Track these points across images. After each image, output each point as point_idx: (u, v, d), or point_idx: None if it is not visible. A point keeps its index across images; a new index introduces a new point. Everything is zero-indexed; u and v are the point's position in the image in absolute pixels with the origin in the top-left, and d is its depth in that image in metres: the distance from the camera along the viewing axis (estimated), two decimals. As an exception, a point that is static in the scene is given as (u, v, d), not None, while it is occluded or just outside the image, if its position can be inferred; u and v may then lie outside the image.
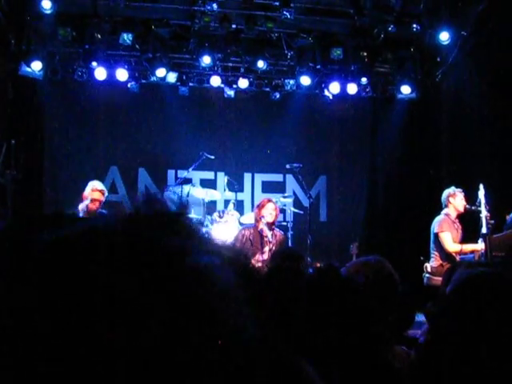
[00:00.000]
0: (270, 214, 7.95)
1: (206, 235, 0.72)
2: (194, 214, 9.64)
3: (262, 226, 7.94)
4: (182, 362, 0.55)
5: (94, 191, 7.44)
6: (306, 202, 10.29)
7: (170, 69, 10.40)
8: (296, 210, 9.93)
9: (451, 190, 7.88)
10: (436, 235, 7.80)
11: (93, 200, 7.37)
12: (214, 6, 9.26)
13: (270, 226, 7.99)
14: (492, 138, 8.98)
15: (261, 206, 8.03)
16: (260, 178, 11.48)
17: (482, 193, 7.04)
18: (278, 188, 11.15)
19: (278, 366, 0.68)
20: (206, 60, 10.11)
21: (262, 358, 0.62)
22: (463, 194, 7.77)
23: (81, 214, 7.16)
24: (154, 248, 0.61)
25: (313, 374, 0.86)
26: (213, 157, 9.84)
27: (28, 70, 9.79)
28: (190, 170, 9.71)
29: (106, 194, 7.66)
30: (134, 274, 0.57)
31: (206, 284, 0.60)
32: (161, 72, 10.28)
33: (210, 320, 0.58)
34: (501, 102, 8.68)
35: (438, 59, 10.40)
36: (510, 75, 8.39)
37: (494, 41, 8.86)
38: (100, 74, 10.06)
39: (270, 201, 8.13)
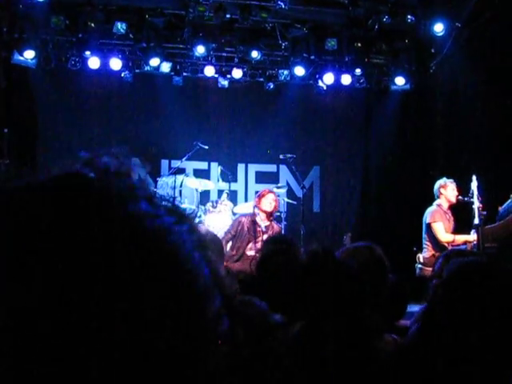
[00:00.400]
0: (269, 203, 7.97)
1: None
2: (187, 204, 9.66)
3: (259, 215, 7.97)
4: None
5: None
6: (299, 193, 10.31)
7: (163, 58, 10.36)
8: (289, 201, 9.93)
9: (442, 181, 7.89)
10: (428, 226, 7.83)
11: None
12: (209, -5, 9.22)
13: (268, 216, 8.03)
14: (485, 129, 9.00)
15: (261, 196, 8.07)
16: (254, 168, 11.48)
17: (474, 184, 7.06)
18: (271, 178, 11.14)
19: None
20: (200, 50, 10.07)
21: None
22: (455, 184, 7.79)
23: None
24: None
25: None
26: (206, 147, 9.83)
27: (21, 58, 9.72)
28: (184, 159, 9.70)
29: None
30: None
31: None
32: (155, 61, 10.25)
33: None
34: (495, 93, 8.69)
35: (433, 50, 10.39)
36: (505, 66, 8.40)
37: (489, 32, 8.86)
38: (93, 63, 10.02)
39: (270, 191, 8.18)
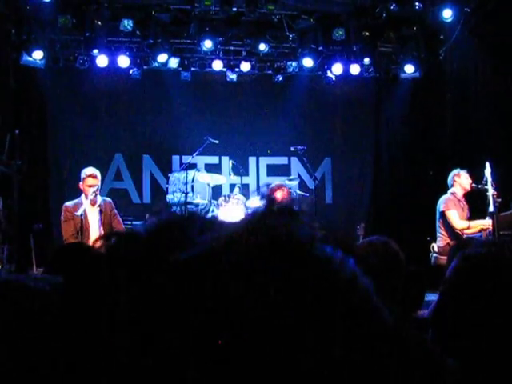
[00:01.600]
0: (281, 199, 7.97)
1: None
2: (199, 199, 9.67)
3: None
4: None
5: (85, 179, 7.36)
6: (311, 185, 10.28)
7: (171, 54, 10.35)
8: (301, 193, 9.91)
9: (456, 170, 7.89)
10: (442, 214, 7.79)
11: (89, 187, 7.29)
12: (214, -12, 9.18)
13: None
14: (497, 115, 8.92)
15: (273, 191, 8.02)
16: (265, 161, 11.46)
17: (488, 171, 7.01)
18: (283, 171, 11.13)
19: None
20: (208, 44, 10.05)
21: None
22: (468, 173, 7.75)
23: (82, 210, 7.13)
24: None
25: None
26: (217, 141, 9.82)
27: (29, 59, 9.76)
28: (195, 155, 9.70)
29: (99, 175, 7.55)
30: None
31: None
32: (162, 57, 10.24)
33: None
34: (505, 78, 8.62)
35: (441, 37, 10.30)
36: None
37: (498, 17, 8.78)
38: (101, 61, 10.03)
39: (283, 186, 8.16)
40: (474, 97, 9.63)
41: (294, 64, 10.83)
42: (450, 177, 7.93)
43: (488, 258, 1.44)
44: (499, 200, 6.84)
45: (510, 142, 8.44)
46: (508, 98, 8.60)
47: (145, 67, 10.62)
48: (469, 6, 9.35)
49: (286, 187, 8.23)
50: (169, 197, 9.85)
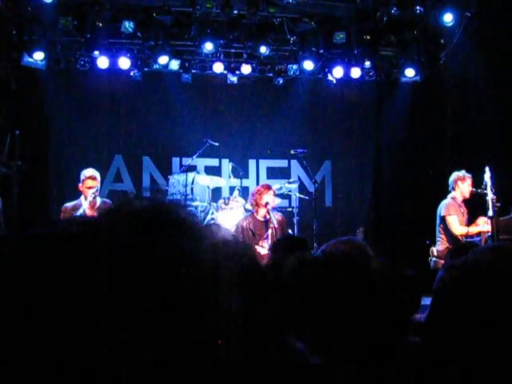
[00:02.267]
0: (272, 199, 7.94)
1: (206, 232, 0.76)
2: (198, 202, 9.66)
3: (266, 211, 7.92)
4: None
5: (85, 181, 7.36)
6: (311, 188, 10.27)
7: (172, 56, 10.37)
8: (301, 196, 9.92)
9: (461, 173, 7.80)
10: (443, 218, 7.78)
11: (89, 188, 7.29)
12: (216, -9, 9.20)
13: (267, 211, 7.97)
14: (497, 119, 8.92)
15: (261, 192, 7.96)
16: (265, 163, 11.47)
17: (488, 175, 7.01)
18: (282, 174, 11.14)
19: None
20: (208, 46, 10.07)
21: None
22: (471, 179, 7.72)
23: (81, 211, 7.12)
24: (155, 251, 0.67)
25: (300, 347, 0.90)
26: (217, 143, 9.83)
27: (30, 60, 9.78)
28: (195, 157, 9.71)
29: (98, 177, 7.55)
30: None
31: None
32: (163, 59, 10.25)
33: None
34: (506, 82, 8.62)
35: (442, 41, 10.33)
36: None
37: (499, 21, 8.78)
38: (102, 62, 10.05)
39: (269, 187, 8.09)
40: (474, 101, 9.62)
41: (295, 67, 10.84)
42: (452, 178, 7.87)
43: (471, 266, 1.43)
44: (498, 205, 6.84)
45: (509, 147, 8.43)
46: (508, 103, 8.60)
47: (145, 69, 10.63)
48: (469, 10, 9.35)
49: (272, 188, 8.16)
50: (168, 198, 9.83)
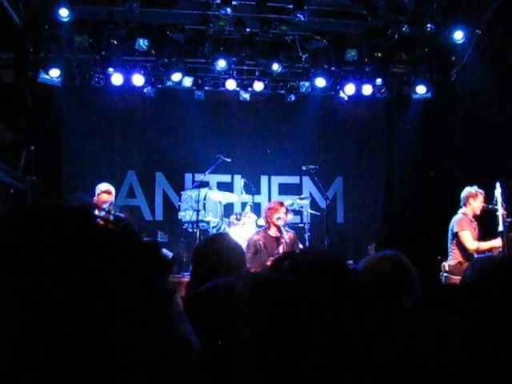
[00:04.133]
0: (278, 217, 7.94)
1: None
2: (210, 217, 9.71)
3: (277, 228, 7.94)
4: None
5: (100, 195, 7.46)
6: (322, 204, 10.29)
7: (185, 73, 10.49)
8: (313, 212, 9.94)
9: (473, 189, 7.71)
10: (455, 234, 7.75)
11: (103, 202, 7.37)
12: (229, 10, 9.30)
13: (279, 228, 7.96)
14: (508, 135, 8.93)
15: (274, 210, 7.98)
16: (277, 180, 11.53)
17: (498, 191, 7.02)
18: (294, 190, 11.17)
19: None
20: (221, 64, 10.19)
21: None
22: (484, 195, 7.66)
23: None
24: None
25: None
26: (229, 160, 9.88)
27: (46, 77, 9.94)
28: (207, 173, 9.76)
29: (113, 191, 7.63)
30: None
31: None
32: (176, 76, 10.37)
33: None
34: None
35: (453, 58, 10.38)
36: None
37: (508, 39, 8.83)
38: (117, 79, 10.18)
39: (281, 205, 8.11)
40: (485, 117, 9.64)
41: (307, 84, 10.93)
42: (464, 194, 7.80)
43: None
44: (509, 220, 6.84)
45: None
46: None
47: (159, 86, 10.77)
48: (480, 28, 9.40)
49: (284, 205, 8.17)
50: (181, 214, 9.91)
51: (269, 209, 8.04)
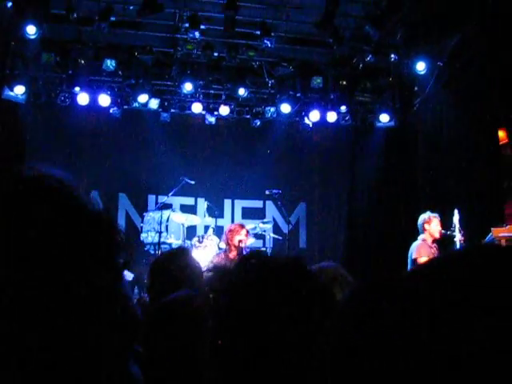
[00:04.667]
0: (245, 239, 7.94)
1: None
2: (173, 239, 9.67)
3: (238, 250, 7.92)
4: None
5: None
6: (285, 228, 10.36)
7: (152, 95, 10.52)
8: (275, 236, 9.97)
9: (426, 215, 7.88)
10: (414, 261, 7.85)
11: None
12: (197, 34, 9.38)
13: (241, 252, 7.93)
14: (466, 164, 9.13)
15: (235, 232, 7.97)
16: (240, 204, 11.56)
17: (456, 218, 7.16)
18: (257, 214, 11.22)
19: None
20: (188, 87, 10.24)
21: None
22: (438, 218, 7.82)
23: None
24: None
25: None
26: (193, 182, 9.90)
27: (11, 93, 9.85)
28: (170, 195, 9.77)
29: None
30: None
31: None
32: (143, 98, 10.40)
33: None
34: (476, 130, 8.86)
35: (416, 89, 10.61)
36: (485, 104, 8.59)
37: (469, 71, 9.07)
38: (83, 99, 10.14)
39: (242, 226, 8.12)
40: (446, 146, 9.84)
41: (272, 109, 11.04)
42: (419, 222, 7.96)
43: None
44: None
45: (477, 190, 8.62)
46: (477, 149, 8.83)
47: (125, 107, 10.74)
48: (441, 60, 9.65)
49: (245, 227, 8.16)
50: (143, 236, 9.84)
51: (229, 231, 8.02)
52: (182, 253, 3.52)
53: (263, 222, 9.96)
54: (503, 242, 6.39)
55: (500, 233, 6.55)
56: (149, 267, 3.48)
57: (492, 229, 6.72)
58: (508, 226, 6.72)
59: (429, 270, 0.71)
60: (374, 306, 0.75)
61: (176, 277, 3.21)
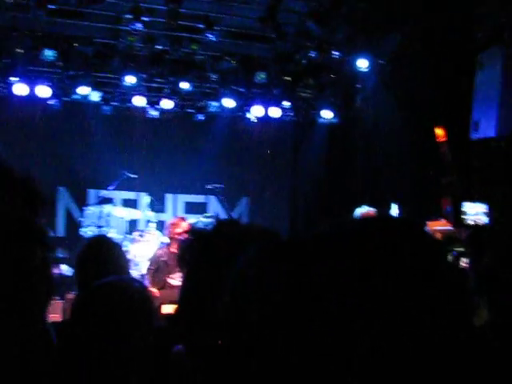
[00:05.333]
0: (180, 231, 7.88)
1: None
2: (113, 234, 9.54)
3: (173, 244, 7.87)
4: None
5: None
6: (227, 223, 10.33)
7: (93, 87, 10.32)
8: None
9: (364, 209, 7.86)
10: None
11: None
12: (139, 25, 9.20)
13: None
14: (405, 160, 9.30)
15: (175, 225, 7.93)
16: (182, 198, 11.49)
17: (395, 212, 7.27)
18: (200, 209, 11.17)
19: None
20: (130, 80, 10.10)
21: None
22: (375, 213, 7.85)
23: None
24: None
25: None
26: (135, 176, 9.79)
27: None
28: (111, 188, 9.64)
29: None
30: None
31: None
32: (83, 90, 10.19)
33: None
34: (415, 126, 9.03)
35: (358, 85, 10.72)
36: (424, 103, 8.76)
37: (409, 69, 9.23)
38: (20, 89, 9.87)
39: (182, 219, 8.09)
40: (386, 142, 9.98)
41: (216, 104, 11.00)
42: (356, 215, 7.95)
43: None
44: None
45: (416, 185, 8.79)
46: (416, 145, 9.00)
47: (65, 99, 10.52)
48: (383, 58, 9.78)
49: (186, 221, 8.14)
50: (83, 230, 9.68)
51: (171, 224, 7.98)
52: (101, 243, 3.45)
53: (205, 217, 9.91)
54: (438, 235, 6.51)
55: (435, 226, 6.67)
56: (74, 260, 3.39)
57: (427, 222, 6.85)
58: (443, 220, 6.86)
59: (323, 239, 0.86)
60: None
61: (98, 267, 3.14)
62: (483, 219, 5.75)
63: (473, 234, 4.33)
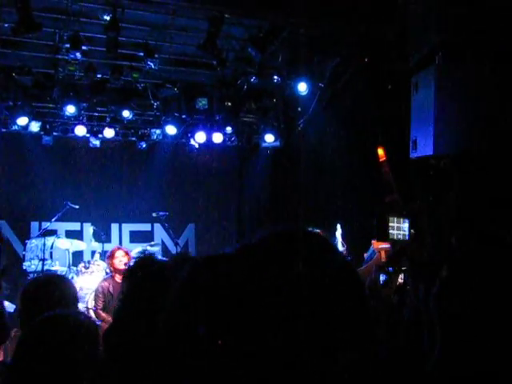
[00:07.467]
0: (119, 261, 7.80)
1: None
2: (58, 266, 9.36)
3: (116, 275, 7.78)
4: None
5: None
6: (173, 250, 10.28)
7: (32, 118, 10.16)
8: (164, 259, 9.82)
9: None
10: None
11: None
12: (78, 54, 9.11)
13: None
14: (348, 181, 9.44)
15: (111, 256, 7.87)
16: (128, 227, 11.37)
17: (339, 232, 7.39)
18: (146, 237, 11.07)
19: None
20: (71, 109, 9.97)
21: None
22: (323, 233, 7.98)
23: None
24: None
25: None
26: (77, 206, 9.67)
27: None
28: (53, 220, 9.48)
29: None
30: None
31: None
32: (23, 121, 10.01)
33: None
34: (356, 148, 9.19)
35: (299, 109, 10.86)
36: (365, 123, 8.94)
37: (349, 92, 9.42)
38: (-45, 121, 9.64)
39: (119, 248, 8.01)
40: (329, 164, 10.13)
41: (158, 131, 10.96)
42: None
43: None
44: (348, 258, 7.18)
45: (359, 206, 8.92)
46: (358, 166, 9.15)
47: (3, 130, 10.31)
48: (322, 81, 9.96)
49: (123, 249, 8.08)
50: (26, 264, 9.47)
51: (108, 257, 7.93)
52: (50, 281, 3.39)
53: (151, 245, 9.85)
54: (382, 254, 6.62)
55: (379, 245, 6.78)
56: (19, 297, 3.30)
57: (372, 241, 6.96)
58: (387, 239, 6.97)
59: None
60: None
61: (44, 304, 3.08)
62: (405, 234, 5.90)
63: (397, 252, 4.45)
